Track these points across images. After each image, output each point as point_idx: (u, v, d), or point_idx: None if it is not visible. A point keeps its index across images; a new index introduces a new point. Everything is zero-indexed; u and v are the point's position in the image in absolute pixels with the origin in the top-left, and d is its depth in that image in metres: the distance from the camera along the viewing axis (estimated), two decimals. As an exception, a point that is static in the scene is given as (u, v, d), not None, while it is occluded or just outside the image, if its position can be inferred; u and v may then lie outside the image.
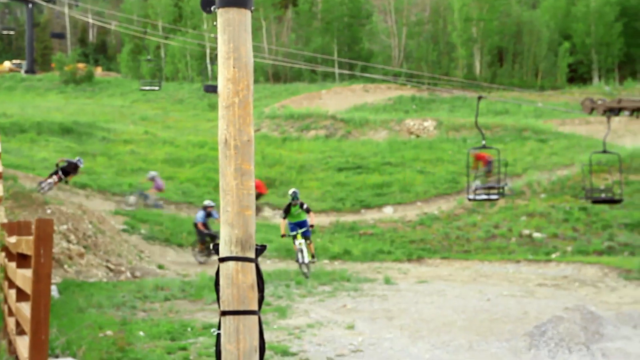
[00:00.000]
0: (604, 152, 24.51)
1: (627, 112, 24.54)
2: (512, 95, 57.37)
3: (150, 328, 13.67)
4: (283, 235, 23.08)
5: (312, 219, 23.14)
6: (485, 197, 24.28)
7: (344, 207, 36.44)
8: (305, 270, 22.13)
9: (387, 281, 21.41)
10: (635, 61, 77.82)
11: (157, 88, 42.18)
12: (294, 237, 22.68)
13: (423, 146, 46.56)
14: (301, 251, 22.23)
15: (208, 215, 27.82)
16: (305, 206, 23.08)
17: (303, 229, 22.79)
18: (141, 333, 13.18)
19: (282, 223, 23.03)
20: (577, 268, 25.62)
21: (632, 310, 15.21)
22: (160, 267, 24.97)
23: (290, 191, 23.63)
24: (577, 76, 76.09)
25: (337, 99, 63.85)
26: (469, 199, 24.53)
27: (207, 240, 27.49)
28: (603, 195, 26.08)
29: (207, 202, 28.18)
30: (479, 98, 23.38)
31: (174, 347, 12.30)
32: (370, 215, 34.83)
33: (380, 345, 12.86)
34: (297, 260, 22.59)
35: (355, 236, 32.62)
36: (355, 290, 19.61)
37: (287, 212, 22.89)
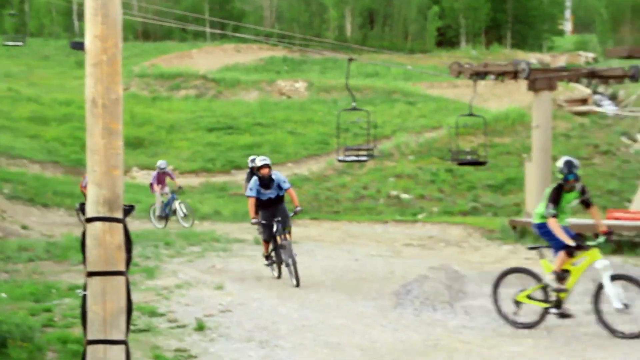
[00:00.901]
0: (470, 115, 25.11)
1: (492, 77, 25.04)
2: (382, 57, 57.87)
3: (12, 289, 13.33)
4: (571, 248, 10.92)
5: (598, 218, 11.41)
6: (354, 158, 24.49)
7: (214, 168, 36.33)
8: None
9: (257, 241, 21.44)
10: (500, 26, 79.82)
11: (21, 44, 41.08)
12: (577, 249, 11.01)
13: (294, 107, 46.77)
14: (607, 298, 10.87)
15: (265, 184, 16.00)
16: (587, 194, 11.47)
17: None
18: (3, 295, 12.84)
19: (554, 223, 11.01)
20: (442, 228, 26.25)
21: (494, 269, 15.67)
22: (24, 227, 24.32)
23: (562, 162, 11.13)
24: (446, 40, 77.51)
25: (208, 58, 63.37)
26: (339, 160, 24.74)
27: (273, 236, 15.83)
28: (468, 157, 26.69)
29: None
30: (350, 60, 23.61)
31: (37, 309, 12.04)
32: (240, 176, 34.73)
33: (249, 306, 12.90)
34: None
35: (225, 197, 32.59)
36: (225, 250, 19.59)
37: (556, 200, 11.15)
